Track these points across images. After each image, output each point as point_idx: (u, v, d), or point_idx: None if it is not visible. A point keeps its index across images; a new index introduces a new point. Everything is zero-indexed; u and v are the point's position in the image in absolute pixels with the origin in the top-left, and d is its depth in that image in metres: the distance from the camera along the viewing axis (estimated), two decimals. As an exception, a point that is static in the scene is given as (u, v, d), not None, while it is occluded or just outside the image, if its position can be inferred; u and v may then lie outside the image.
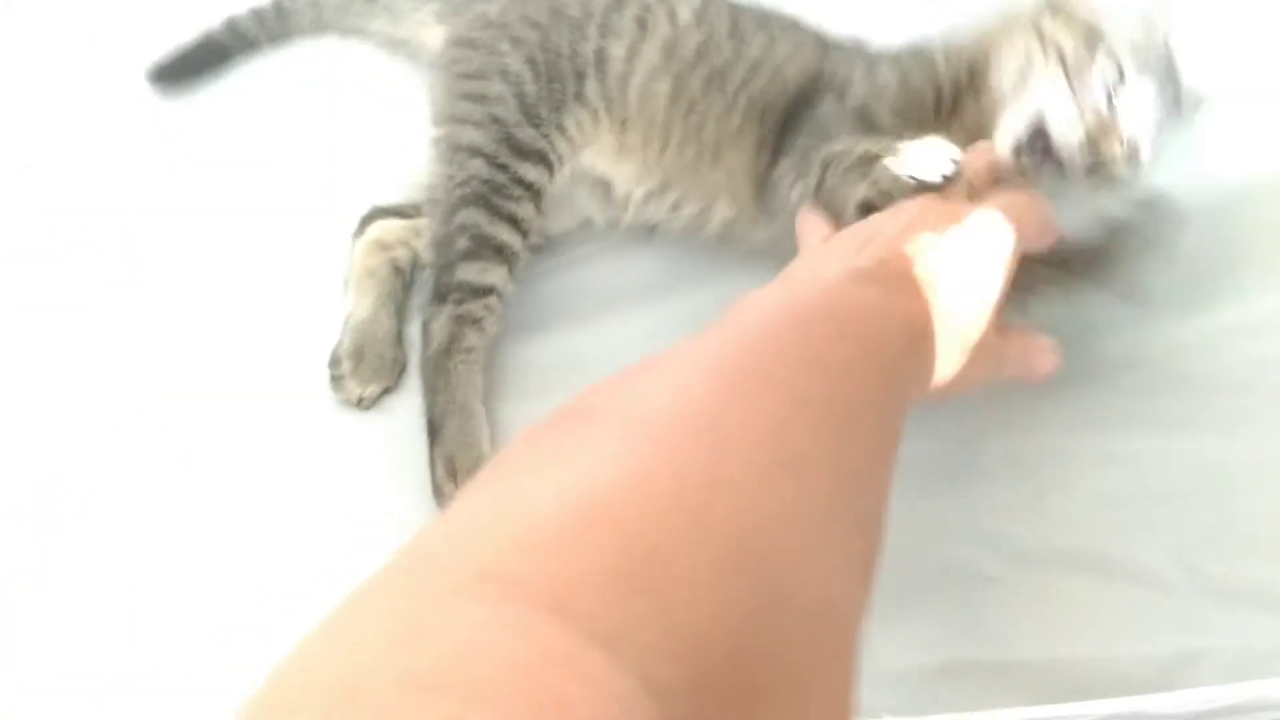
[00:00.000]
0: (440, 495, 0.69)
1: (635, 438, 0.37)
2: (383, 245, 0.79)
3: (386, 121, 0.88)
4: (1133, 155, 0.62)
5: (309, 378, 0.75)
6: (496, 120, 0.76)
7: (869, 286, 0.49)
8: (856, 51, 0.78)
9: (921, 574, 0.61)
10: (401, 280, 0.79)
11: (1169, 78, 0.64)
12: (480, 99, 0.78)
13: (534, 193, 0.76)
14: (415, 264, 0.80)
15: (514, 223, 0.74)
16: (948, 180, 0.60)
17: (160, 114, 0.92)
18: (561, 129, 0.77)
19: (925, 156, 0.61)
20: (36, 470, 0.72)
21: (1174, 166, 0.66)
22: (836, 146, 0.67)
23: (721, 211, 0.77)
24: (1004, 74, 0.67)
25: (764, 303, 0.49)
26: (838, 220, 0.63)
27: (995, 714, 0.56)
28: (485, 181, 0.75)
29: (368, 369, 0.74)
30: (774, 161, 0.74)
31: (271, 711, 0.28)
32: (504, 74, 0.78)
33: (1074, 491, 0.63)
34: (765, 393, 0.41)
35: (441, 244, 0.75)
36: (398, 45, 0.93)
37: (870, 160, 0.63)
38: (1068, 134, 0.62)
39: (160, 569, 0.67)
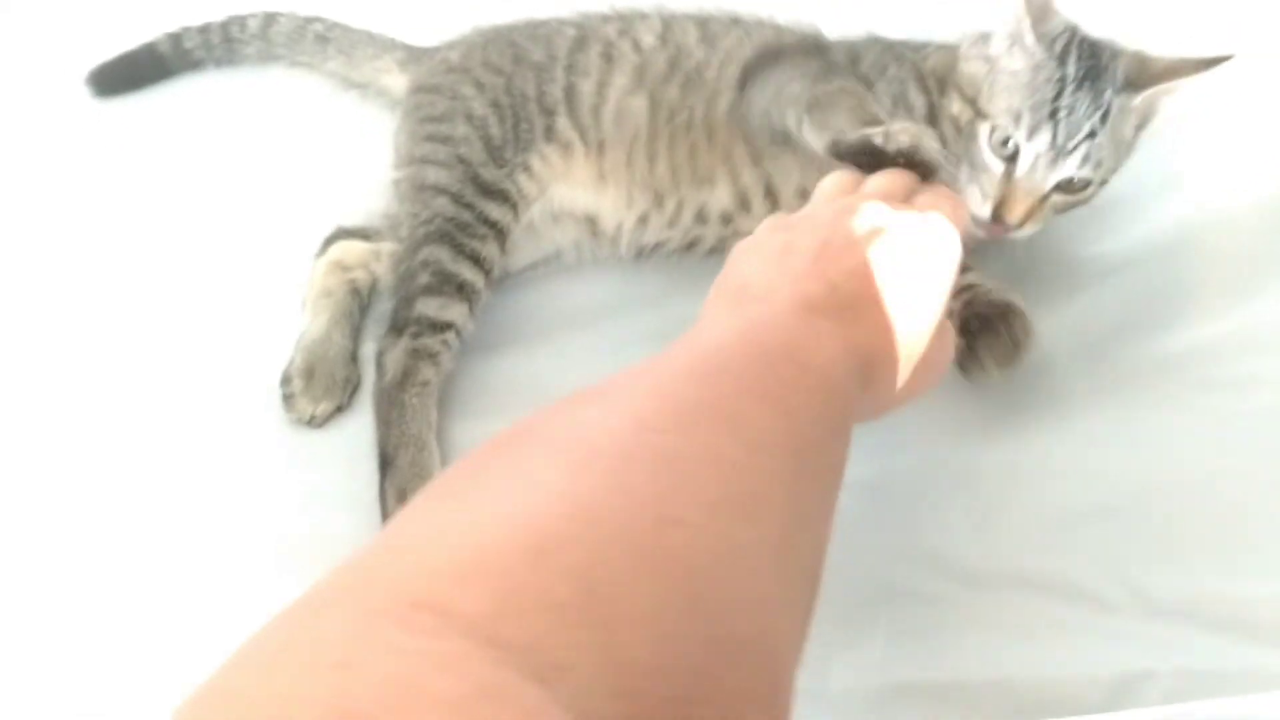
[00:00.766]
0: None
1: (584, 467, 0.36)
2: (343, 266, 0.79)
3: (350, 138, 0.89)
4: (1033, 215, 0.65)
5: (261, 397, 0.74)
6: (462, 160, 0.77)
7: (825, 320, 0.48)
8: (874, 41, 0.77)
9: (868, 595, 0.61)
10: (359, 302, 0.79)
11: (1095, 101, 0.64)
12: (445, 140, 0.78)
13: (498, 232, 0.76)
14: (374, 287, 0.80)
15: (477, 261, 0.75)
16: (921, 167, 0.59)
17: (122, 119, 0.93)
18: (527, 169, 0.78)
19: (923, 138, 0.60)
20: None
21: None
22: (841, 82, 0.68)
23: (719, 200, 0.76)
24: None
25: (722, 332, 0.48)
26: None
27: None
28: (450, 219, 0.75)
29: (319, 387, 0.74)
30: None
31: None
32: (469, 117, 0.78)
33: (1018, 510, 0.64)
34: (723, 431, 0.40)
35: (403, 278, 0.75)
36: (351, 85, 0.93)
37: (865, 112, 0.63)
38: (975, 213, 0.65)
39: (104, 585, 0.66)
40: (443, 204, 0.76)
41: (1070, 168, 0.64)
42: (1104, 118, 0.63)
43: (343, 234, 0.82)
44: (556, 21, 0.83)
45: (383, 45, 0.91)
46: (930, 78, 0.71)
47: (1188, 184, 0.77)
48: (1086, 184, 0.65)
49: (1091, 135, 0.63)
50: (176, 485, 0.70)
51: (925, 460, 0.66)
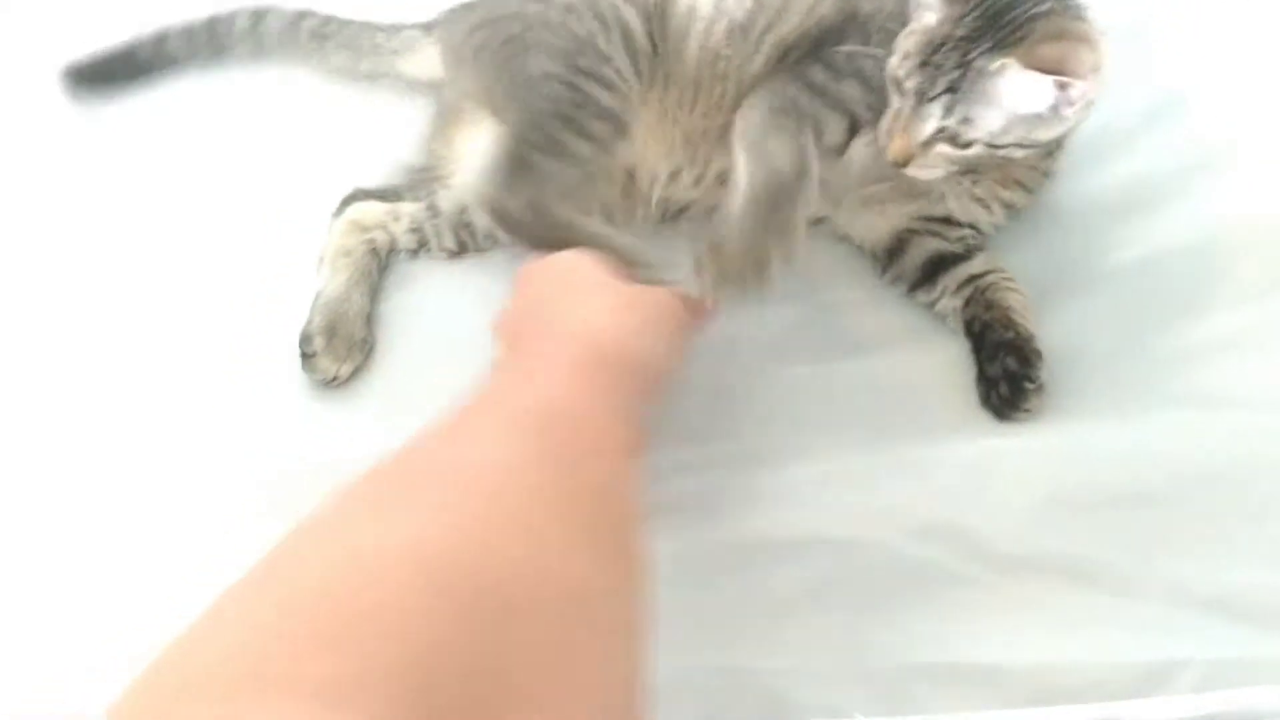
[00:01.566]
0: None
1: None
2: (361, 226, 0.78)
3: (351, 126, 0.86)
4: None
5: (277, 366, 0.73)
6: (564, 53, 0.72)
7: (598, 392, 0.52)
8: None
9: (900, 577, 0.61)
10: (377, 262, 0.78)
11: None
12: (535, 44, 0.73)
13: (612, 119, 0.71)
14: (392, 248, 0.78)
15: (594, 141, 0.70)
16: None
17: (129, 112, 0.89)
18: (619, 73, 0.72)
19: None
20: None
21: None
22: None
23: None
24: None
25: (519, 411, 0.50)
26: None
27: (968, 716, 0.56)
28: (565, 99, 0.70)
29: (341, 346, 0.72)
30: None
31: None
32: (548, 25, 0.74)
33: (1050, 496, 0.63)
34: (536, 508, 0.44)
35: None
36: (358, 78, 0.88)
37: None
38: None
39: (126, 553, 0.66)
40: (553, 88, 0.71)
41: (934, 117, 0.64)
42: (964, 75, 0.63)
43: (361, 194, 0.80)
44: None
45: (388, 30, 0.87)
46: None
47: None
48: (969, 143, 0.64)
49: (951, 90, 0.63)
50: (194, 457, 0.70)
51: (958, 445, 0.66)
